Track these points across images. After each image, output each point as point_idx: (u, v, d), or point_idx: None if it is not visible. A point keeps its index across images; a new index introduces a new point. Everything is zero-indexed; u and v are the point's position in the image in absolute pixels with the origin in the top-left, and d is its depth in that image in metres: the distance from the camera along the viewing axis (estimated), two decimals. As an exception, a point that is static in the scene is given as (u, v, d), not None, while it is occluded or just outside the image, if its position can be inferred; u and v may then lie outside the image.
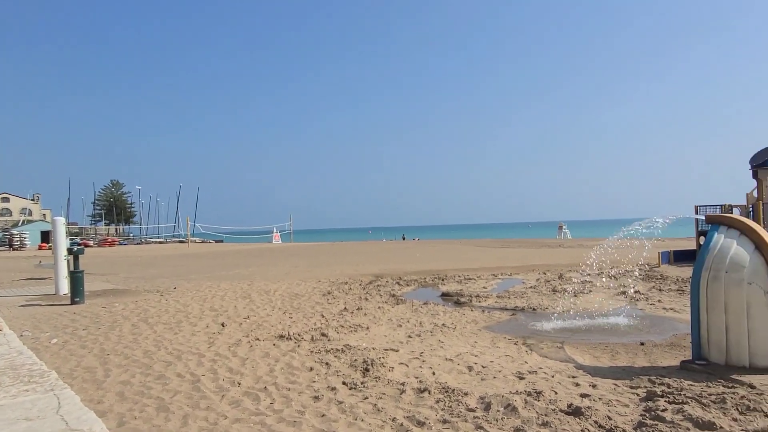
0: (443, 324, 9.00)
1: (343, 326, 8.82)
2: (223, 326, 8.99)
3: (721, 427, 4.07)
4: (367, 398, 5.13)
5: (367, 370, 6.07)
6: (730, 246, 5.76)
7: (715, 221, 6.21)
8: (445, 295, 12.61)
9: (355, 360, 6.52)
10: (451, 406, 4.82)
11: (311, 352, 7.07)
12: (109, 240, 66.39)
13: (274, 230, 69.68)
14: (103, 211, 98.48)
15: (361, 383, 5.59)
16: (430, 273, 17.70)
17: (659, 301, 10.92)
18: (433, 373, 6.03)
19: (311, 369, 6.24)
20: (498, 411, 4.64)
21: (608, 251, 10.84)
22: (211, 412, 4.89)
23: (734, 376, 5.39)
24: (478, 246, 36.82)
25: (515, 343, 7.60)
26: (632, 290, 12.11)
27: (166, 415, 4.83)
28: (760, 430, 3.94)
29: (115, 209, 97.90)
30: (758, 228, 5.82)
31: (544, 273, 16.58)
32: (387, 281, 15.57)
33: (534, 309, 10.47)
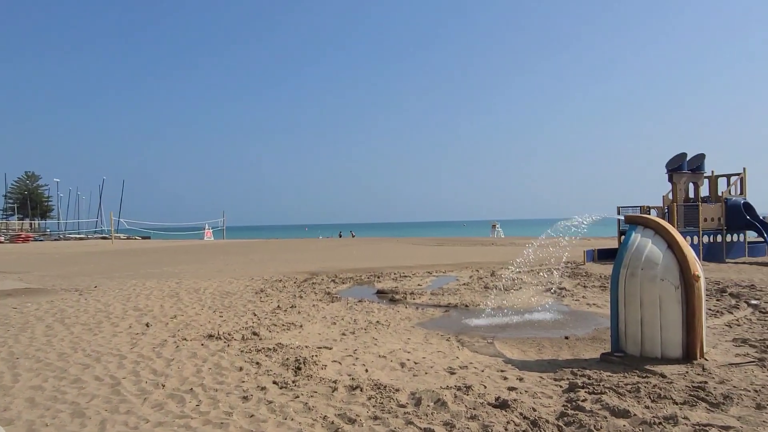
0: (377, 321, 9.03)
1: (275, 325, 8.65)
2: (148, 326, 8.58)
3: (635, 415, 4.31)
4: (298, 397, 5.05)
5: (299, 368, 5.98)
6: (645, 245, 6.13)
7: (633, 221, 6.59)
8: (380, 293, 12.66)
9: (287, 358, 6.41)
10: (382, 403, 4.83)
11: (241, 351, 6.87)
12: (23, 236, 61.79)
13: (206, 227, 67.43)
14: (16, 205, 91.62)
15: (293, 382, 5.50)
16: (366, 271, 17.73)
17: (583, 297, 11.46)
18: (366, 371, 6.02)
19: (241, 369, 6.06)
20: (428, 406, 4.69)
21: (538, 250, 11.26)
22: (132, 416, 4.64)
23: (648, 367, 5.74)
24: (415, 244, 37.33)
25: (447, 340, 7.73)
26: (559, 287, 12.66)
27: (82, 421, 4.54)
28: (669, 416, 4.20)
29: (29, 203, 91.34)
30: (670, 228, 6.22)
31: (477, 270, 17.02)
32: (322, 279, 15.45)
33: (467, 306, 10.71)
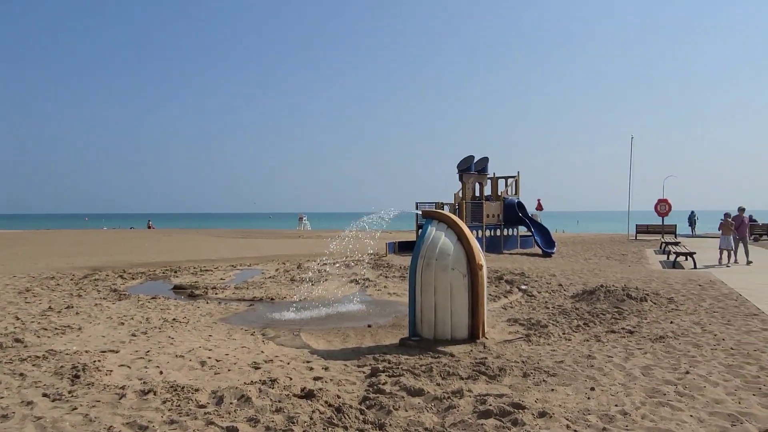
0: (174, 319, 8.34)
1: (46, 329, 7.41)
2: None
3: (428, 392, 4.67)
4: (76, 409, 4.36)
5: (77, 376, 5.18)
6: (439, 237, 6.71)
7: (429, 216, 7.16)
8: (177, 288, 11.74)
9: (62, 366, 5.51)
10: (179, 405, 4.44)
11: (-1, 362, 5.71)
12: None
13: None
14: None
15: (69, 393, 4.74)
16: (161, 265, 16.30)
17: (385, 287, 12.15)
18: (161, 373, 5.49)
19: (-2, 383, 5.02)
20: (231, 403, 4.46)
21: (343, 242, 11.59)
22: None
23: (440, 348, 6.30)
24: (218, 236, 35.54)
25: (252, 334, 7.49)
26: (363, 278, 13.23)
27: None
28: (456, 390, 4.65)
29: None
30: (460, 222, 6.92)
31: (284, 263, 16.89)
32: (107, 275, 13.74)
33: (272, 299, 10.53)
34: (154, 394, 4.68)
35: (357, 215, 9.19)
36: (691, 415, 4.12)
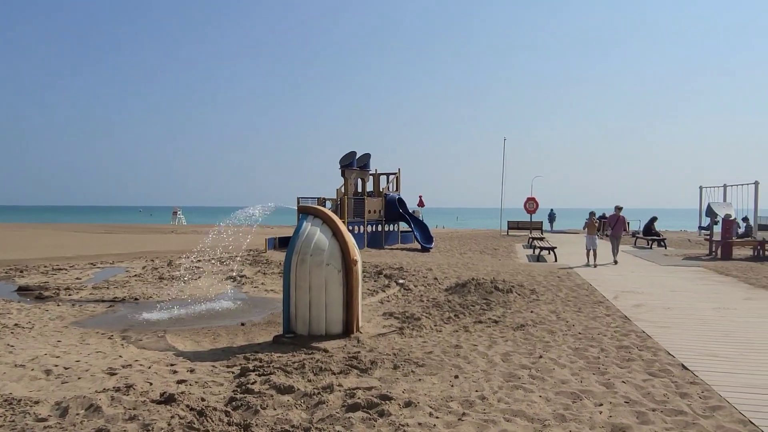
0: (16, 324, 7.40)
1: None
2: None
3: (299, 389, 4.60)
4: None
5: None
6: (314, 233, 6.64)
7: (305, 211, 7.07)
8: (23, 290, 10.45)
9: None
10: (14, 421, 3.93)
11: None
12: None
13: None
14: None
15: None
16: (4, 264, 14.43)
17: (263, 283, 11.81)
18: (-7, 385, 4.83)
19: None
20: (77, 414, 4.03)
21: (221, 237, 11.07)
22: None
23: (314, 344, 6.25)
24: (76, 231, 32.25)
25: (110, 338, 6.88)
26: (239, 275, 12.74)
27: None
28: (327, 386, 4.63)
29: None
30: (335, 218, 6.91)
31: (153, 260, 15.76)
32: (-64, 275, 11.87)
33: (137, 299, 9.77)
34: (-18, 411, 4.10)
35: (237, 210, 8.83)
36: (540, 396, 4.49)
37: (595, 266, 14.42)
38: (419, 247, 21.21)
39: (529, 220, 31.59)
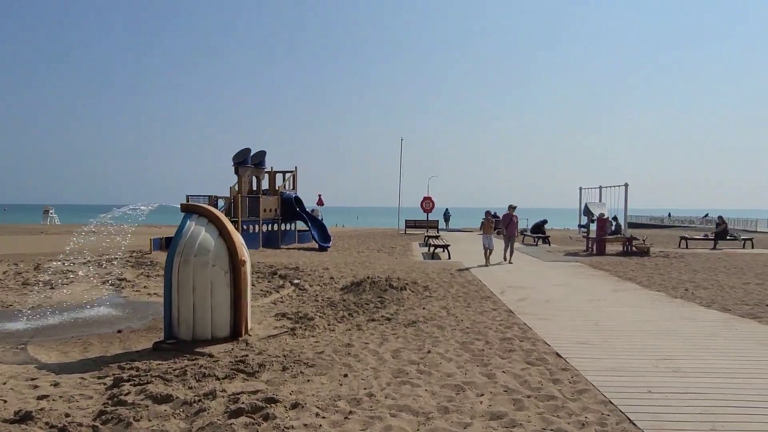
0: None
1: None
2: None
3: (178, 397, 4.32)
4: None
5: None
6: (199, 233, 6.30)
7: (189, 210, 6.67)
8: None
9: None
10: None
11: None
12: None
13: None
14: None
15: None
16: None
17: (145, 287, 11.03)
18: None
19: None
20: None
21: (98, 238, 10.18)
22: None
23: (198, 349, 5.92)
24: (-74, 234, 28.14)
25: (-44, 352, 6.03)
26: (119, 278, 11.81)
27: None
28: (209, 392, 4.39)
29: None
30: (222, 217, 6.60)
31: (17, 264, 14.12)
32: None
33: (-6, 307, 8.69)
34: None
35: (113, 208, 8.14)
36: (426, 390, 4.60)
37: (488, 266, 14.60)
38: (317, 246, 21.03)
39: (425, 219, 32.57)
